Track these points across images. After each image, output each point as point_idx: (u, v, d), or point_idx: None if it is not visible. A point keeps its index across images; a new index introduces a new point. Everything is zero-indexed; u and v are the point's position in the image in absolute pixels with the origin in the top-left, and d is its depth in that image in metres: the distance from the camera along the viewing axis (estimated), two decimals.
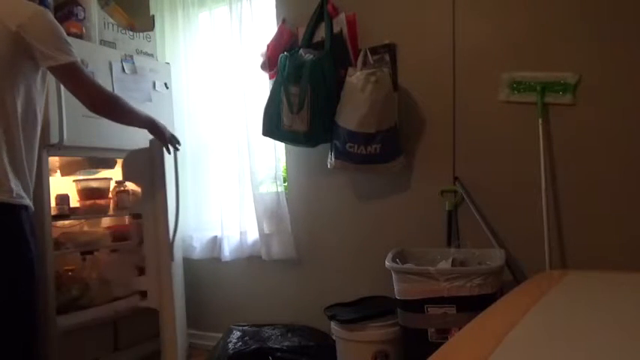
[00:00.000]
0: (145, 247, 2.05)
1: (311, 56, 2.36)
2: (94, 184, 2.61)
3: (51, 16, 1.68)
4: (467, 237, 2.28)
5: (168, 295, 2.04)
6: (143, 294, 2.09)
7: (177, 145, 2.17)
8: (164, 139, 2.11)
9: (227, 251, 2.85)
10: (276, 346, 2.30)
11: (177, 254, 2.55)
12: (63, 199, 2.40)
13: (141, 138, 2.58)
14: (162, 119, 2.68)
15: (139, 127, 2.03)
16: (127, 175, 2.15)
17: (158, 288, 2.04)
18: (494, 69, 2.21)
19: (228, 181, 2.88)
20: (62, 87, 2.22)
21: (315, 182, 2.67)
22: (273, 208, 2.72)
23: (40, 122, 1.77)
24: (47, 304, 2.20)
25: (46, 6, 1.91)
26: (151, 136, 2.13)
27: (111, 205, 2.67)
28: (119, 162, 2.64)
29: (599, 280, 1.49)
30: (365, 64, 2.30)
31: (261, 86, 2.74)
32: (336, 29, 2.47)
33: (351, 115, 2.24)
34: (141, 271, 2.13)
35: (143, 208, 2.06)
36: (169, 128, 2.73)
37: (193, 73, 2.95)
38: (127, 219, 2.80)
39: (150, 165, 2.06)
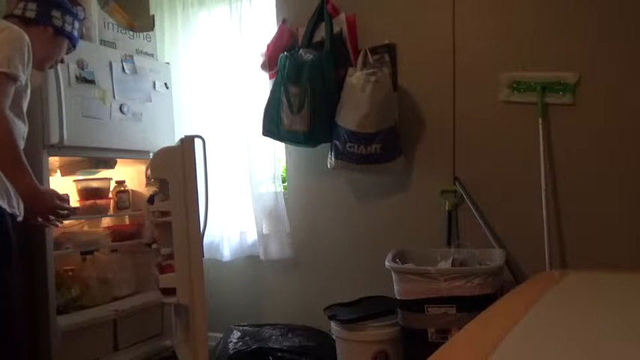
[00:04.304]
0: (174, 244, 2.06)
1: (311, 56, 2.36)
2: (94, 184, 2.60)
3: (15, 35, 1.66)
4: (467, 237, 2.28)
5: (200, 292, 2.07)
6: (167, 291, 2.09)
7: (55, 221, 1.81)
8: (37, 212, 1.74)
9: (227, 251, 2.85)
10: (276, 346, 2.30)
11: None
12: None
13: (140, 139, 2.60)
14: (162, 119, 2.72)
15: (16, 187, 1.66)
16: (156, 172, 2.16)
17: (189, 284, 2.06)
18: (494, 69, 2.22)
19: (228, 182, 2.88)
20: (62, 87, 2.23)
21: (315, 182, 2.68)
22: (272, 208, 2.73)
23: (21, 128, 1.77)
24: (47, 304, 2.21)
25: (68, 36, 1.93)
26: (181, 135, 2.13)
27: (111, 205, 2.67)
28: (119, 162, 2.64)
29: (599, 280, 1.49)
30: (365, 64, 2.30)
31: (261, 86, 2.74)
32: (336, 29, 2.46)
33: (351, 115, 2.24)
34: (161, 269, 2.14)
35: (173, 206, 2.08)
36: (169, 128, 2.77)
37: (193, 73, 2.95)
38: (127, 219, 2.80)
39: (180, 163, 2.08)
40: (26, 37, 1.69)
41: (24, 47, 1.67)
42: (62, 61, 2.10)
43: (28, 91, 1.79)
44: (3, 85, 1.62)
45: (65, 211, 1.81)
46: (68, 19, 1.91)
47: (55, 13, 1.86)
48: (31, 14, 1.82)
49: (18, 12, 1.83)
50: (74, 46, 2.01)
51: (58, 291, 2.30)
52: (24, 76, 1.68)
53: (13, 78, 1.63)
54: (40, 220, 1.77)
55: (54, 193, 1.79)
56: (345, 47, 2.46)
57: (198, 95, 2.94)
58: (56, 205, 1.76)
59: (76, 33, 1.96)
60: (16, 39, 1.66)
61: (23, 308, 2.13)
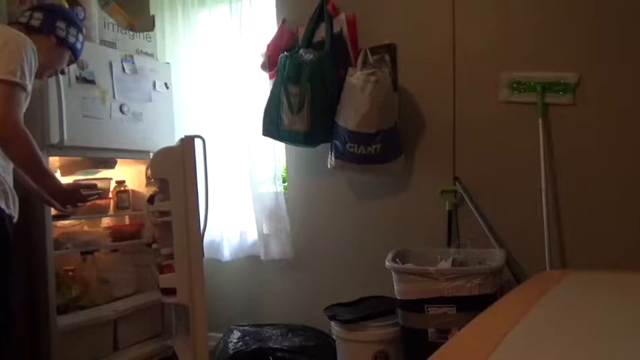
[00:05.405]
0: (174, 244, 2.07)
1: (311, 56, 2.36)
2: None
3: (24, 43, 1.67)
4: (467, 237, 2.28)
5: (200, 291, 2.08)
6: (167, 291, 2.10)
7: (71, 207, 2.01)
8: (64, 205, 1.96)
9: (227, 251, 2.85)
10: (277, 346, 2.30)
11: None
12: None
13: (140, 139, 2.60)
14: (162, 119, 2.73)
15: (43, 187, 1.84)
16: (156, 173, 2.16)
17: (189, 284, 2.07)
18: (494, 69, 2.22)
19: (228, 181, 2.88)
20: (62, 87, 2.23)
21: (315, 182, 2.68)
22: (272, 208, 2.72)
23: None
24: (47, 304, 2.20)
25: (71, 48, 1.93)
26: (181, 135, 2.14)
27: (111, 205, 2.67)
28: (119, 162, 2.64)
29: (599, 280, 1.49)
30: (365, 64, 2.30)
31: (261, 86, 2.74)
32: (336, 29, 2.46)
33: (351, 115, 2.24)
34: (161, 269, 2.14)
35: (173, 206, 2.08)
36: (169, 128, 2.77)
37: (193, 73, 2.95)
38: (127, 219, 2.80)
39: (180, 163, 2.08)
40: (34, 45, 1.70)
41: (32, 56, 1.69)
42: (63, 72, 2.10)
43: (29, 98, 1.80)
44: (17, 95, 1.64)
45: (94, 196, 2.06)
46: (72, 31, 1.92)
47: (60, 24, 1.87)
48: (36, 23, 1.83)
49: (23, 20, 1.84)
50: (76, 58, 2.02)
51: (58, 291, 2.30)
52: (31, 85, 1.69)
53: (24, 88, 1.65)
54: (69, 207, 1.99)
55: (76, 186, 1.99)
56: (345, 47, 2.46)
57: (198, 95, 2.94)
58: (79, 196, 1.96)
59: (79, 45, 1.98)
60: (25, 47, 1.67)
61: (22, 308, 2.14)
